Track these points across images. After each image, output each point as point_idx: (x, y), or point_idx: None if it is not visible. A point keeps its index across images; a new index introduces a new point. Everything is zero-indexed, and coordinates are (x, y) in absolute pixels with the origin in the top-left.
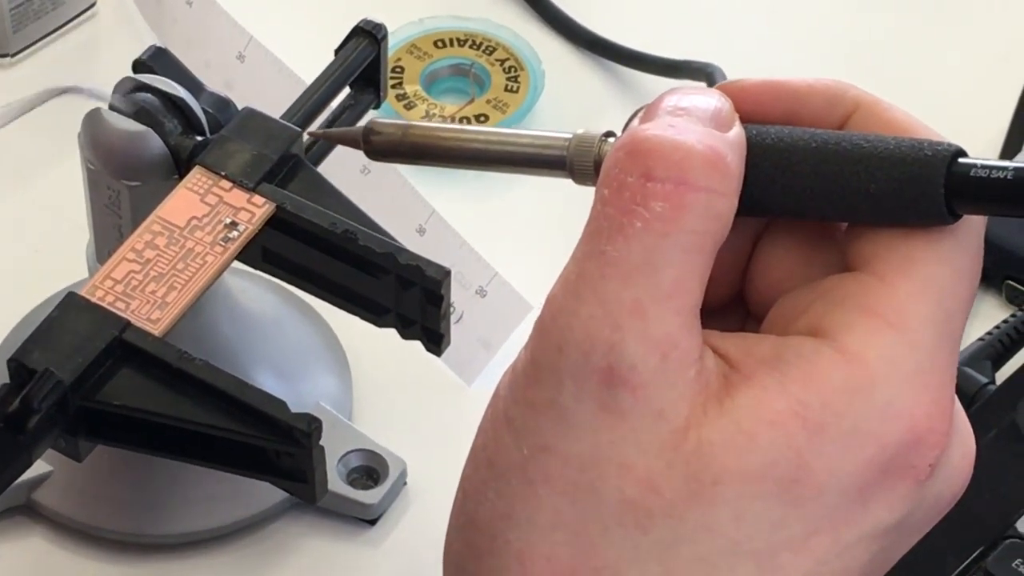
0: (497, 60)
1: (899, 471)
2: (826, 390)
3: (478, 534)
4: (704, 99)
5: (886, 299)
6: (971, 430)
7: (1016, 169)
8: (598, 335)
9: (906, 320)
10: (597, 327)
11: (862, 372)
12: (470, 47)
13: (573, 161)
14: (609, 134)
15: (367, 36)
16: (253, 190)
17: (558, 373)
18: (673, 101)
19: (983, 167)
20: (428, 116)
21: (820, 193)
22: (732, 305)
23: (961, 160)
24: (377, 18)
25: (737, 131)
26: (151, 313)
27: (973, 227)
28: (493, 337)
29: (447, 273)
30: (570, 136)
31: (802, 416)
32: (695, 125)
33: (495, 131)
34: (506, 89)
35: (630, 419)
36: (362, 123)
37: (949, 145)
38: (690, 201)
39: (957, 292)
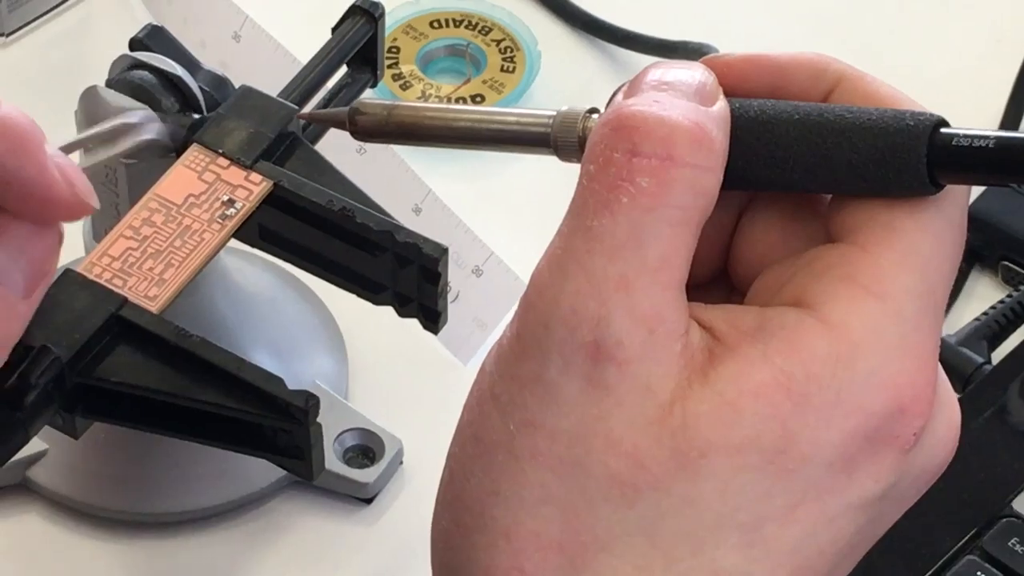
0: (493, 40)
1: (884, 440)
2: (809, 360)
3: (465, 511)
4: (688, 73)
5: (869, 269)
6: (956, 400)
7: (998, 138)
8: (584, 310)
9: (889, 290)
10: (583, 302)
11: (845, 341)
12: (466, 27)
13: (557, 138)
14: (593, 110)
15: (364, 15)
16: (250, 167)
17: (544, 348)
18: (657, 75)
19: (965, 136)
20: (424, 96)
21: (803, 165)
22: (716, 280)
23: (943, 130)
24: None
25: (721, 105)
26: (148, 290)
27: (956, 197)
28: (489, 317)
29: (444, 251)
30: (554, 113)
31: (786, 386)
32: (680, 100)
33: (480, 110)
34: (502, 69)
35: (616, 394)
36: (362, 98)
37: (931, 115)
38: (676, 176)
39: (940, 262)
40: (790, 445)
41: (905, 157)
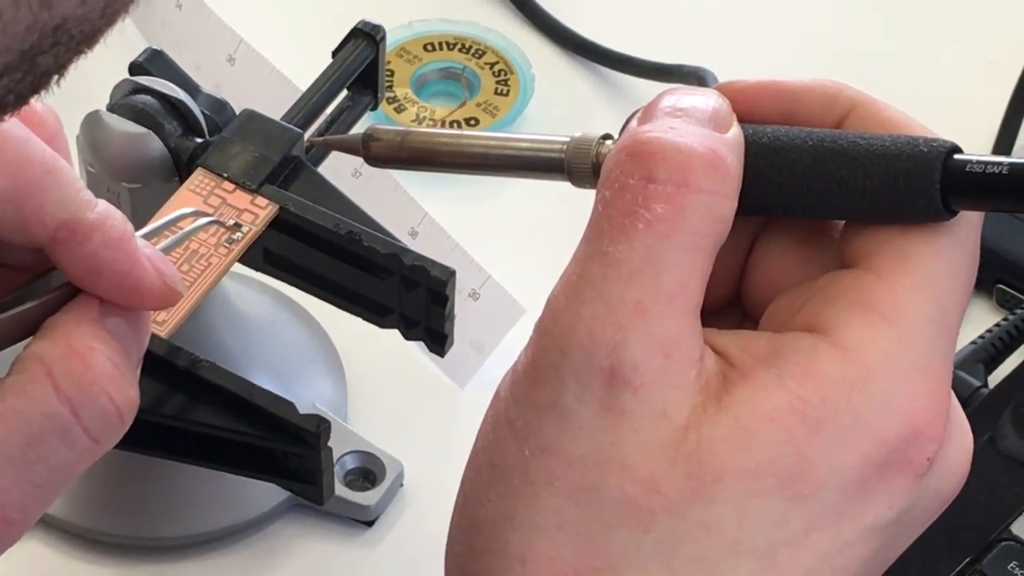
0: (487, 64)
1: (898, 465)
2: (824, 385)
3: (480, 536)
4: (702, 99)
5: (883, 294)
6: (968, 426)
7: (1012, 164)
8: (601, 336)
9: (903, 315)
10: (600, 328)
11: (860, 367)
12: (459, 51)
13: (571, 164)
14: (606, 136)
15: (366, 37)
16: (256, 191)
17: (560, 374)
18: (671, 101)
19: (978, 163)
20: (418, 120)
21: (817, 191)
22: (728, 306)
23: (956, 156)
24: (367, 20)
25: (735, 131)
26: (157, 315)
27: (969, 223)
28: (486, 340)
29: (452, 273)
30: (567, 139)
31: (801, 412)
32: (695, 127)
33: (494, 135)
34: (496, 92)
35: (632, 419)
36: (358, 127)
37: (944, 142)
38: (691, 203)
39: (953, 287)
40: (805, 470)
41: (919, 183)
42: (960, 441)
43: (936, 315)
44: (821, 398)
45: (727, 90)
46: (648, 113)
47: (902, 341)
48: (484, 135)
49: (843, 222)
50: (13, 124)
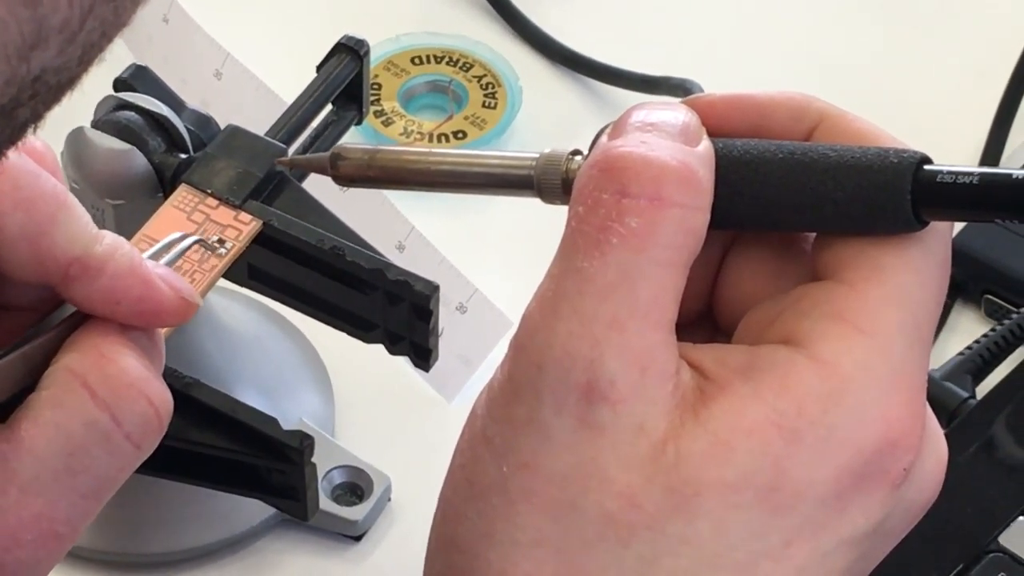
0: (474, 77)
1: (874, 476)
2: (801, 397)
3: (459, 554)
4: (672, 114)
5: (856, 306)
6: (943, 436)
7: (982, 174)
8: (577, 351)
9: (877, 326)
10: (576, 343)
11: (836, 378)
12: (447, 64)
13: (540, 180)
14: (576, 152)
15: (349, 52)
16: (240, 207)
17: (537, 390)
18: (641, 116)
19: (949, 173)
20: (406, 133)
21: (788, 203)
22: (700, 320)
23: (927, 167)
24: (353, 35)
25: (706, 145)
26: None
27: (940, 233)
28: (473, 354)
29: (435, 288)
30: (537, 155)
31: (778, 424)
32: (666, 140)
33: (462, 153)
34: (484, 105)
35: (610, 434)
36: (344, 141)
37: (915, 153)
38: (665, 217)
39: (926, 298)
40: (783, 482)
41: (889, 195)
42: (935, 451)
43: (909, 326)
44: (798, 410)
45: (696, 104)
46: (618, 128)
47: (876, 352)
48: (453, 152)
49: (814, 234)
50: (23, 159)
